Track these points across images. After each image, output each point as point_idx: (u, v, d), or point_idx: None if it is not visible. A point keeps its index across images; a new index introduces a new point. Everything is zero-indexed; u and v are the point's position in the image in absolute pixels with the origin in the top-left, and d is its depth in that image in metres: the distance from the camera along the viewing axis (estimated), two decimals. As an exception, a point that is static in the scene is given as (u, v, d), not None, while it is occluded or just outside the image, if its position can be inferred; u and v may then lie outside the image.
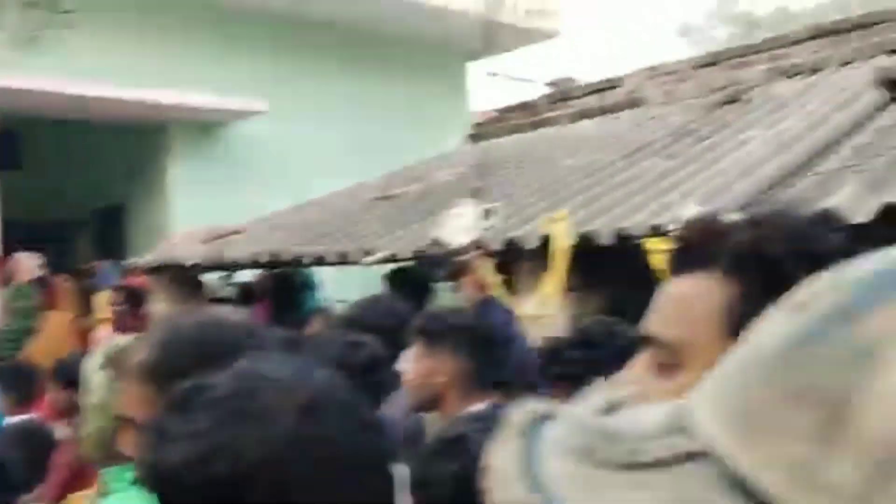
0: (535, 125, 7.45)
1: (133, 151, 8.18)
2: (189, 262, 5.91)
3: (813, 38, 6.05)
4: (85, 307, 6.33)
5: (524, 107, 8.04)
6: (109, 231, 8.45)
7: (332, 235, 5.50)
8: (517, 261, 4.14)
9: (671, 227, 3.41)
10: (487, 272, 4.00)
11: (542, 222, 4.08)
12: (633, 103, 6.75)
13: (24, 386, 4.14)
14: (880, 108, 4.24)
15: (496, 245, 4.16)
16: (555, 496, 0.35)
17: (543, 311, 3.76)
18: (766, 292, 0.48)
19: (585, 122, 6.92)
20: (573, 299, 3.56)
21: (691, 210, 3.76)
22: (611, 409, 0.40)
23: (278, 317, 4.58)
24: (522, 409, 0.41)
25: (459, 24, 8.51)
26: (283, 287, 5.14)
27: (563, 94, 7.81)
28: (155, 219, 7.92)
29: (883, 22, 5.78)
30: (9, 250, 6.64)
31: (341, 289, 5.64)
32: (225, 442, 0.82)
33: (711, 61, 6.73)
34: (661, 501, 0.33)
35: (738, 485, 0.32)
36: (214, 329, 1.26)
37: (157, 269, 6.11)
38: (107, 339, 2.81)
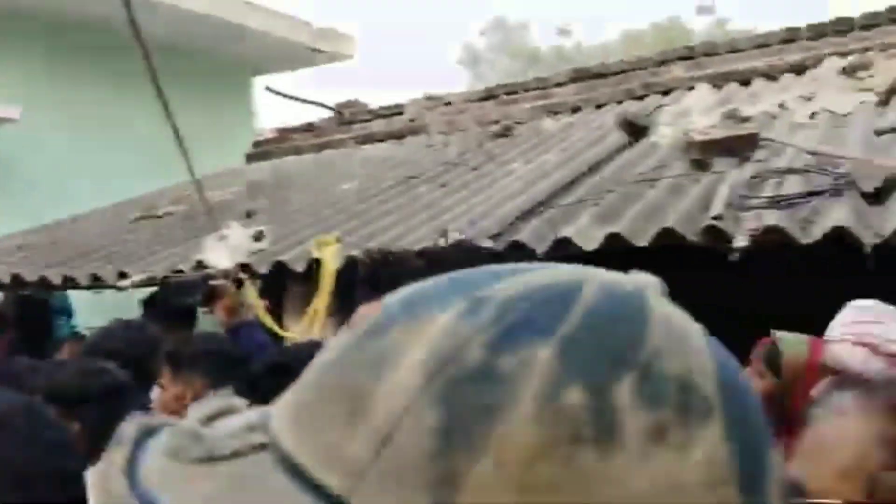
0: (321, 147, 7.52)
1: None
2: None
3: (574, 80, 6.59)
4: None
5: (309, 128, 8.08)
6: None
7: (88, 256, 5.22)
8: (286, 283, 4.19)
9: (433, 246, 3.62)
10: (251, 295, 4.01)
11: (311, 245, 4.16)
12: (415, 130, 7.00)
13: None
14: (620, 149, 4.73)
15: (263, 268, 4.18)
16: (147, 490, 0.42)
17: (309, 334, 3.83)
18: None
19: (368, 147, 7.09)
20: (334, 322, 3.66)
21: (453, 235, 4.01)
22: (213, 418, 0.49)
23: (26, 344, 4.28)
24: (134, 422, 0.49)
25: (248, 39, 8.38)
26: (30, 312, 4.80)
27: (350, 116, 7.93)
28: None
29: (633, 70, 6.41)
30: None
31: (99, 314, 5.28)
32: None
33: (486, 96, 7.14)
34: (222, 481, 0.41)
35: (287, 464, 0.40)
36: None
37: None
38: None
